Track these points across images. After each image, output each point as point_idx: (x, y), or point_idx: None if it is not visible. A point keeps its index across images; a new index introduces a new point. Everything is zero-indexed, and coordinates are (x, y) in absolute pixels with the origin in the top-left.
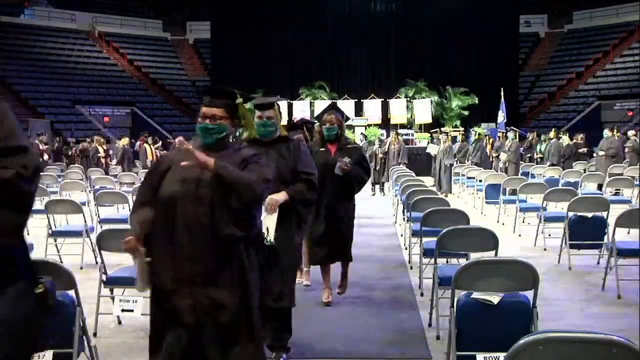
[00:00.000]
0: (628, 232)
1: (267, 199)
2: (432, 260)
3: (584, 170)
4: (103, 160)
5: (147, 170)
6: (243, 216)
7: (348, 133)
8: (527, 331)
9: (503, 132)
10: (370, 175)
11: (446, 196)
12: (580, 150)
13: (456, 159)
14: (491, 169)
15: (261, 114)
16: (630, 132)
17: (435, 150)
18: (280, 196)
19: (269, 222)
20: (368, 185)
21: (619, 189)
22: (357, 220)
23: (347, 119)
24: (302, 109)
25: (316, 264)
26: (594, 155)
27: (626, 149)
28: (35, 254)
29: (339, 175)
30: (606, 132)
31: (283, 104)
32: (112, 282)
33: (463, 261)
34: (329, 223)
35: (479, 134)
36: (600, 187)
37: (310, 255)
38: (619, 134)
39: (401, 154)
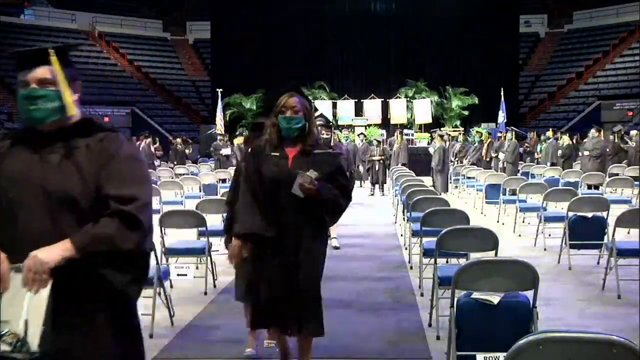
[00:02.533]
0: (628, 232)
1: (28, 260)
2: (432, 260)
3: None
4: None
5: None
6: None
7: (350, 135)
8: (527, 331)
9: (503, 133)
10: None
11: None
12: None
13: (456, 159)
14: (489, 169)
15: (26, 76)
16: (633, 132)
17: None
18: (56, 253)
19: (31, 310)
20: (367, 185)
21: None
22: (358, 221)
23: (315, 110)
24: None
25: (259, 326)
26: (580, 155)
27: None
28: None
29: (298, 197)
30: (592, 132)
31: None
32: None
33: (463, 261)
34: (284, 270)
35: (482, 134)
36: (592, 187)
37: (252, 315)
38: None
39: (400, 155)
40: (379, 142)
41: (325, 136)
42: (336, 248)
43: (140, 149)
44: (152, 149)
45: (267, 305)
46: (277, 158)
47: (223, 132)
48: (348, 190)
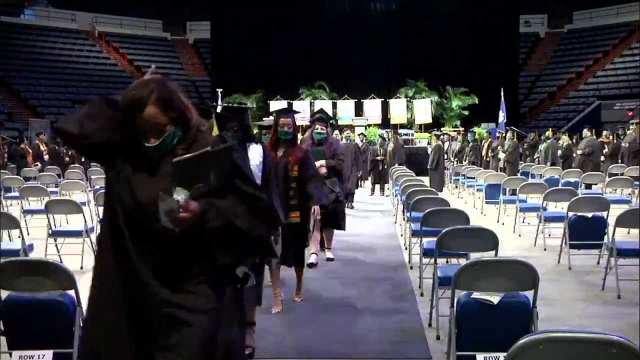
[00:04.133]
0: (628, 232)
1: None
2: (432, 260)
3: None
4: None
5: None
6: None
7: (351, 135)
8: (527, 331)
9: (502, 133)
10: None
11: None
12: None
13: (455, 159)
14: (487, 168)
15: None
16: (628, 132)
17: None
18: None
19: None
20: (366, 185)
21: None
22: (357, 221)
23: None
24: (302, 109)
25: None
26: (573, 155)
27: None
28: (35, 254)
29: (169, 230)
30: (585, 132)
31: (282, 104)
32: None
33: (463, 261)
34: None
35: (475, 133)
36: (588, 186)
37: None
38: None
39: (396, 155)
40: (384, 139)
41: (320, 131)
42: (329, 259)
43: None
44: None
45: None
46: (141, 177)
47: None
48: (259, 201)
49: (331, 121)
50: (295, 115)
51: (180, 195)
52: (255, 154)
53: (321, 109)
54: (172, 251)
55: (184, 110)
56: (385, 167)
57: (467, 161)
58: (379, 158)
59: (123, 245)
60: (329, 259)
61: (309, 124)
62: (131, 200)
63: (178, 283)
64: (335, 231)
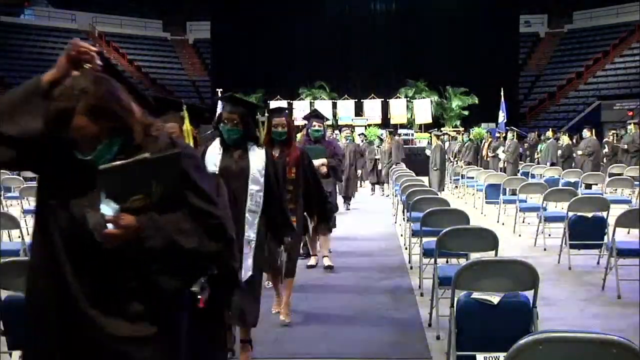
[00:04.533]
0: (628, 232)
1: None
2: (432, 261)
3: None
4: None
5: None
6: None
7: (351, 135)
8: (527, 331)
9: (502, 133)
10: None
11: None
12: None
13: (455, 159)
14: (487, 168)
15: None
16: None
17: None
18: None
19: None
20: (366, 184)
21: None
22: (358, 222)
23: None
24: (302, 109)
25: None
26: (574, 155)
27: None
28: None
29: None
30: (585, 132)
31: (282, 104)
32: None
33: (463, 261)
34: None
35: (470, 133)
36: (588, 186)
37: None
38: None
39: (393, 154)
40: (381, 140)
41: (317, 128)
42: (329, 267)
43: None
44: None
45: None
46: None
47: None
48: (212, 218)
49: (328, 121)
50: (295, 116)
51: (108, 207)
52: (258, 158)
53: (315, 109)
54: (110, 272)
55: (121, 116)
56: (380, 167)
57: (463, 161)
58: (377, 157)
59: (57, 265)
60: (328, 267)
61: (305, 122)
62: (66, 215)
63: (118, 308)
64: (334, 233)
